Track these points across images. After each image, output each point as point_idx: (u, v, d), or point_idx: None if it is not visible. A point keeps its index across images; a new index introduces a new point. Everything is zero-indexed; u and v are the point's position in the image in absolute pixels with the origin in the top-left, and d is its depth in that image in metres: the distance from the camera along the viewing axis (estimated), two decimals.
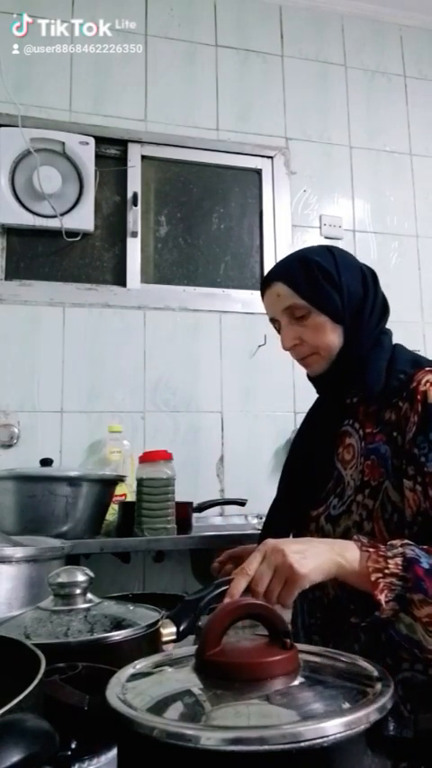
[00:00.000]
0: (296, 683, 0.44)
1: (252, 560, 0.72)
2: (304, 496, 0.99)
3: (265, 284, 1.03)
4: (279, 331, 1.03)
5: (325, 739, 0.36)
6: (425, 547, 0.75)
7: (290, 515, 1.02)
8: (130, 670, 0.49)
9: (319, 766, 0.37)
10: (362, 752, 0.39)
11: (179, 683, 0.46)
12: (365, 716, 0.39)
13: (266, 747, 0.36)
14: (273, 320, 1.03)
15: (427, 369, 0.90)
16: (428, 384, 0.86)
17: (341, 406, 0.99)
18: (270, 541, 0.73)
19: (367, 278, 0.99)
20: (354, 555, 0.73)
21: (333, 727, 0.37)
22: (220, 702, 0.43)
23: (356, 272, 0.98)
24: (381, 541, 0.84)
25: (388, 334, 0.99)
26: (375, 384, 0.92)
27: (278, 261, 1.08)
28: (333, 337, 0.96)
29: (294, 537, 0.99)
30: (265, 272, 1.05)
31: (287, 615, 1.17)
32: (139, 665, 0.51)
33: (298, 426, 1.34)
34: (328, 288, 0.95)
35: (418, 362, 0.93)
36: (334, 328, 0.96)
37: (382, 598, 0.69)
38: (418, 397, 0.85)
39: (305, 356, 0.99)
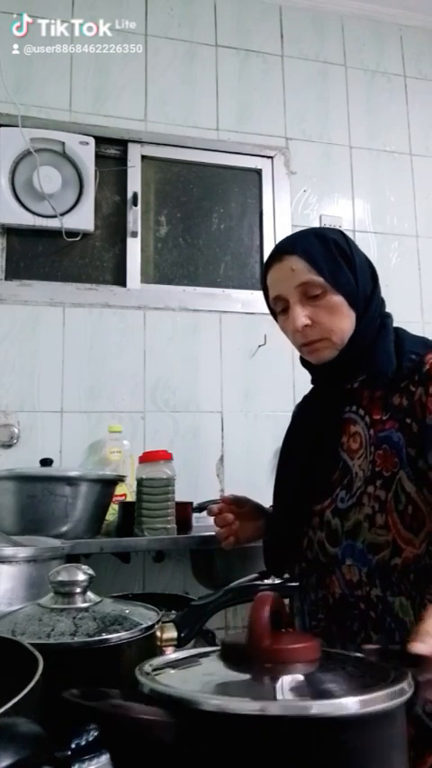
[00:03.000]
0: (325, 669, 0.47)
1: None
2: (306, 490, 0.94)
3: (275, 257, 0.93)
4: (279, 313, 0.96)
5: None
6: None
7: (293, 512, 0.96)
8: (147, 667, 0.49)
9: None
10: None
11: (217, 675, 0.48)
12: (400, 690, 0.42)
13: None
14: (277, 299, 0.94)
15: None
16: None
17: (341, 393, 0.94)
18: None
19: (374, 270, 0.96)
20: None
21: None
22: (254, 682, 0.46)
23: (365, 260, 0.96)
24: (396, 534, 0.82)
25: (390, 316, 0.96)
26: (387, 367, 0.88)
27: (290, 234, 1.00)
28: (347, 322, 0.90)
29: (298, 534, 0.95)
30: None
31: None
32: (154, 662, 0.51)
33: None
34: (346, 268, 0.90)
35: (426, 344, 0.91)
36: (348, 313, 0.90)
37: None
38: None
39: (314, 341, 0.91)
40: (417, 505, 0.82)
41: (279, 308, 0.95)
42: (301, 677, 0.45)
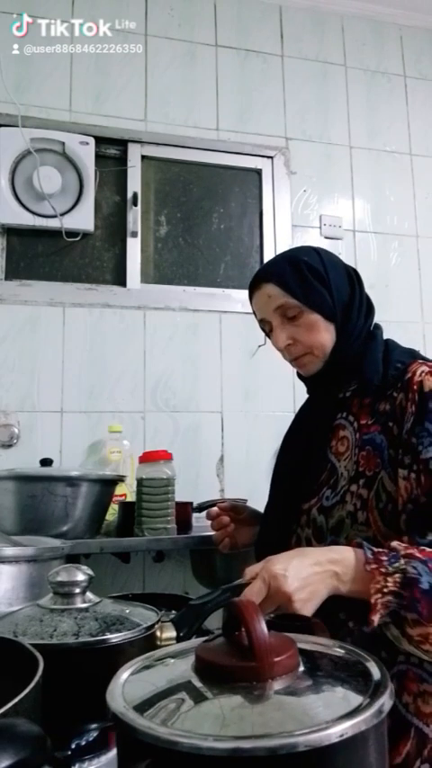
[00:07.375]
0: (303, 683, 0.45)
1: (253, 588, 0.70)
2: (297, 490, 0.99)
3: (253, 286, 1.03)
4: (269, 333, 1.04)
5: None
6: (428, 552, 0.73)
7: (284, 510, 1.01)
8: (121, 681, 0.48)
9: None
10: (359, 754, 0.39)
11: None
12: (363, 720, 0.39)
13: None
14: (263, 321, 1.04)
15: (421, 361, 0.93)
16: (424, 374, 0.88)
17: (334, 401, 1.00)
18: (271, 570, 0.71)
19: (353, 277, 1.02)
20: (353, 574, 0.73)
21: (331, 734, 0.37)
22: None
23: (342, 270, 1.01)
24: (376, 531, 0.86)
25: (380, 329, 1.02)
26: (374, 375, 0.94)
27: (264, 263, 1.09)
28: (326, 336, 0.97)
29: (288, 532, 0.98)
30: None
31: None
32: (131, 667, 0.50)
33: None
34: (318, 286, 0.97)
35: (412, 354, 0.96)
36: (327, 327, 0.97)
37: (375, 619, 0.69)
38: (414, 387, 0.87)
39: (299, 356, 1.00)
40: (396, 504, 0.85)
41: (266, 329, 1.05)
42: (278, 701, 0.43)
